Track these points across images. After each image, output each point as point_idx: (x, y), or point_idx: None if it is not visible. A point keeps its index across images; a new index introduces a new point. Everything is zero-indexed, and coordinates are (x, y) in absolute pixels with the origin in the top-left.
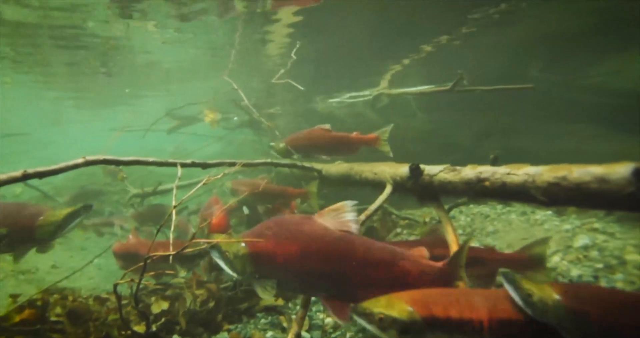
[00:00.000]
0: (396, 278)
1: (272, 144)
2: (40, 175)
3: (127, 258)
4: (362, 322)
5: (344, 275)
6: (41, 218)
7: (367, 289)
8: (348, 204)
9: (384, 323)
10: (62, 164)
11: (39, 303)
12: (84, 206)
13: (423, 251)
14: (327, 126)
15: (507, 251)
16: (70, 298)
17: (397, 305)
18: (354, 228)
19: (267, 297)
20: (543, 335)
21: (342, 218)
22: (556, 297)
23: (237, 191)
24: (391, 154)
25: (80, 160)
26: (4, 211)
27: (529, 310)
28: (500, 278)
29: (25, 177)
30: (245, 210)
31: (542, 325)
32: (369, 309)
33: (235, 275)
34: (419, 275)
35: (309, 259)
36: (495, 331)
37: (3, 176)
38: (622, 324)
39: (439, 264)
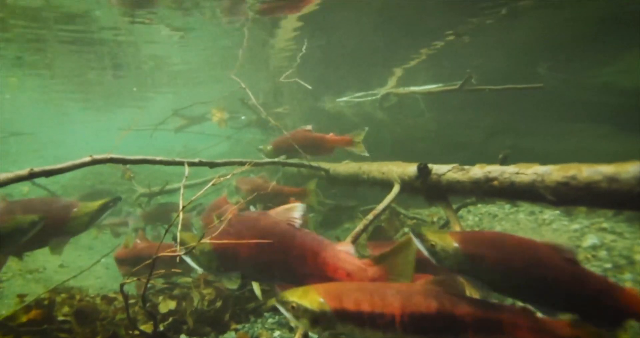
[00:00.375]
0: (318, 269)
1: (260, 147)
2: (47, 174)
3: (130, 264)
4: (281, 309)
5: (288, 264)
6: (75, 210)
7: (307, 278)
8: (299, 205)
9: (297, 312)
10: (69, 163)
11: (46, 302)
12: (114, 198)
13: (348, 246)
14: (309, 127)
15: None
16: (78, 297)
17: (310, 296)
18: (298, 223)
19: (233, 286)
20: (454, 326)
21: (291, 214)
22: (455, 244)
23: (240, 189)
24: (366, 154)
25: (87, 159)
26: (38, 204)
27: (433, 259)
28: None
29: (32, 176)
30: (252, 209)
31: (453, 316)
32: (286, 298)
33: (201, 269)
34: (334, 269)
35: (262, 251)
36: (407, 324)
37: (10, 175)
38: (512, 263)
39: (360, 261)
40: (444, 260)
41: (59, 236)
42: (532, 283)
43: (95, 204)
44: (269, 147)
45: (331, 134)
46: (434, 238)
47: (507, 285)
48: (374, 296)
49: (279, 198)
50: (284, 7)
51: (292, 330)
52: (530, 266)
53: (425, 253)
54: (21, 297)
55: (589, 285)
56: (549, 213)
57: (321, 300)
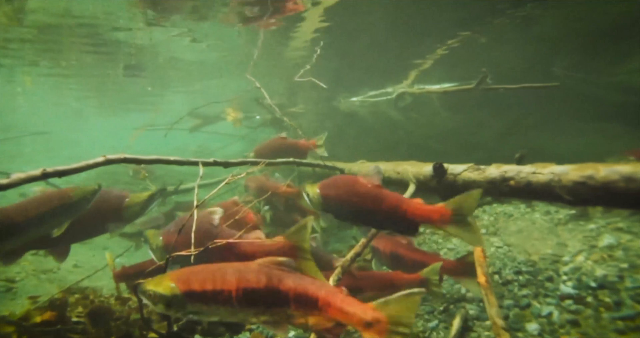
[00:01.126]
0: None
1: (245, 154)
2: (60, 174)
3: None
4: (143, 298)
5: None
6: (127, 199)
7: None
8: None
9: (154, 298)
10: (82, 163)
11: (59, 303)
12: (160, 189)
13: (258, 233)
14: (284, 135)
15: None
16: (92, 297)
17: (164, 283)
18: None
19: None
20: (279, 299)
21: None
22: (317, 191)
23: (249, 187)
24: (325, 154)
25: (100, 159)
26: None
27: (310, 205)
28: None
29: (45, 176)
30: (266, 208)
31: (278, 291)
32: (145, 287)
33: (158, 261)
34: (252, 254)
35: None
36: (241, 298)
37: (22, 175)
38: (344, 198)
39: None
40: (315, 203)
41: (115, 223)
42: (357, 209)
43: (145, 194)
44: (252, 153)
45: (303, 140)
46: (309, 189)
47: (345, 214)
48: (216, 276)
49: (274, 197)
50: (269, 14)
51: (306, 330)
52: (355, 196)
53: (306, 200)
54: (33, 298)
55: (388, 202)
56: (565, 213)
57: (172, 285)
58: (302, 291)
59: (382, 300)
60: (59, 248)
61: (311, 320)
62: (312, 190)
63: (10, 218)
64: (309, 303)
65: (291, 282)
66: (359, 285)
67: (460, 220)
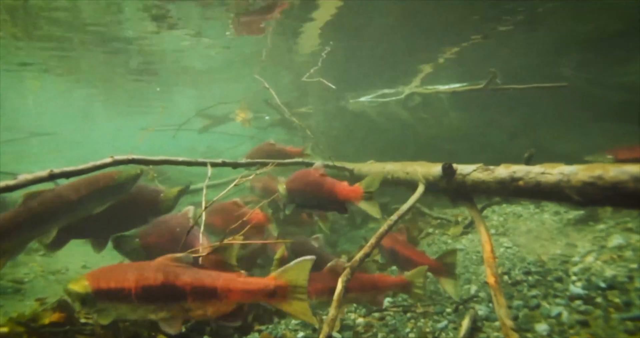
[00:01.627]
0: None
1: (238, 160)
2: (67, 175)
3: None
4: (67, 297)
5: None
6: (162, 194)
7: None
8: (189, 208)
9: (72, 296)
10: (89, 164)
11: (68, 304)
12: (186, 186)
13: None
14: (272, 141)
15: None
16: None
17: (80, 282)
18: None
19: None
20: (176, 294)
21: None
22: (284, 185)
23: (254, 187)
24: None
25: (108, 159)
26: (137, 188)
27: (282, 198)
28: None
29: (52, 177)
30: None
31: (174, 287)
32: (68, 286)
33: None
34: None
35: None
36: (140, 295)
37: (29, 176)
38: (299, 188)
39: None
40: (284, 196)
41: (153, 215)
42: (308, 195)
43: (175, 190)
44: (243, 159)
45: (290, 146)
46: (279, 186)
47: (302, 201)
48: (120, 274)
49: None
50: (259, 17)
51: (315, 331)
52: (306, 185)
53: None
54: (41, 299)
55: (326, 186)
56: (574, 213)
57: (86, 283)
58: (199, 284)
59: (279, 269)
60: (99, 239)
61: (210, 309)
62: (281, 186)
63: (65, 196)
64: (207, 294)
65: (187, 277)
66: (348, 285)
67: (369, 197)
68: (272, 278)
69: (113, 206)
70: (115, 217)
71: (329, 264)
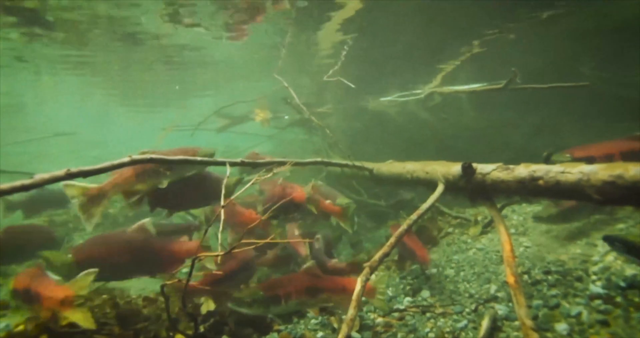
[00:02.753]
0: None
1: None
2: (85, 174)
3: None
4: None
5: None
6: (225, 181)
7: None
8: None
9: None
10: (107, 163)
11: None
12: (241, 176)
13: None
14: (257, 151)
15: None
16: (119, 299)
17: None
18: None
19: None
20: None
21: None
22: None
23: (264, 190)
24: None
25: (126, 159)
26: (208, 177)
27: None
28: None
29: (68, 176)
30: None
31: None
32: None
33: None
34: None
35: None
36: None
37: (46, 176)
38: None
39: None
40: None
41: (215, 199)
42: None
43: (234, 179)
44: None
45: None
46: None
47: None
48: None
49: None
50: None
51: (334, 330)
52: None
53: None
54: None
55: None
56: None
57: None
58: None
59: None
60: (173, 211)
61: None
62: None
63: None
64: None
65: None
66: (319, 286)
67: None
68: (65, 287)
69: (188, 186)
70: (188, 195)
71: (305, 266)
